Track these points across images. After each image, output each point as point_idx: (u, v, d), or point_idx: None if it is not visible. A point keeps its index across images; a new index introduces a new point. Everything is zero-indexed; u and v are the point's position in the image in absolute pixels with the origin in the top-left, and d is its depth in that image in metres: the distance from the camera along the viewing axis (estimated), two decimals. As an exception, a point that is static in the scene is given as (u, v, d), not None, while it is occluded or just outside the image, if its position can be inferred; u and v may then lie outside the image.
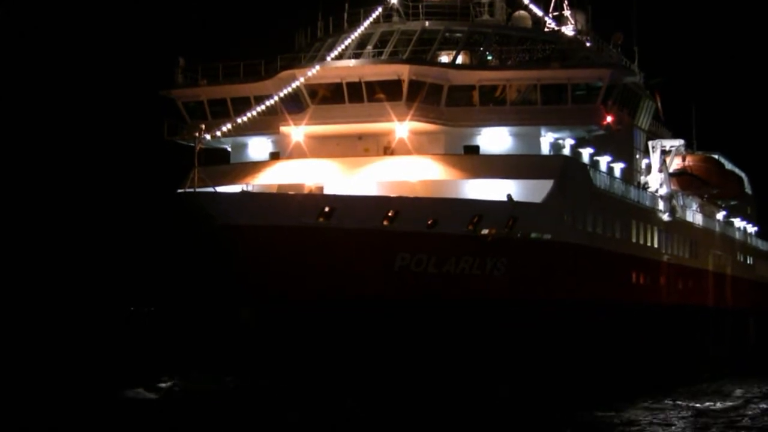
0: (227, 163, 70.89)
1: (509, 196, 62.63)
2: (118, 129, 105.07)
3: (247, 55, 69.01)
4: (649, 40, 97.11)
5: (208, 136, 58.21)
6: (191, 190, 56.03)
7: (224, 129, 60.31)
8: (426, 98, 64.63)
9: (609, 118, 67.22)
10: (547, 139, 67.96)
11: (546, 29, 74.13)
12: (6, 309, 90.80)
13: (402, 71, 63.95)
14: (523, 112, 65.99)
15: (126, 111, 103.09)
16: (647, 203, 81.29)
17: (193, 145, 57.02)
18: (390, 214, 58.24)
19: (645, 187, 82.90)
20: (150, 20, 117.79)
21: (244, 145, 70.54)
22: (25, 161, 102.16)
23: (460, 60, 67.71)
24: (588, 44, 74.95)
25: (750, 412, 60.67)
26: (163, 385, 63.58)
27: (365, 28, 67.46)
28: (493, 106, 66.36)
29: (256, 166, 67.25)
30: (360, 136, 66.03)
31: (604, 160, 75.91)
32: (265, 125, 66.75)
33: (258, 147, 70.12)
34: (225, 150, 72.59)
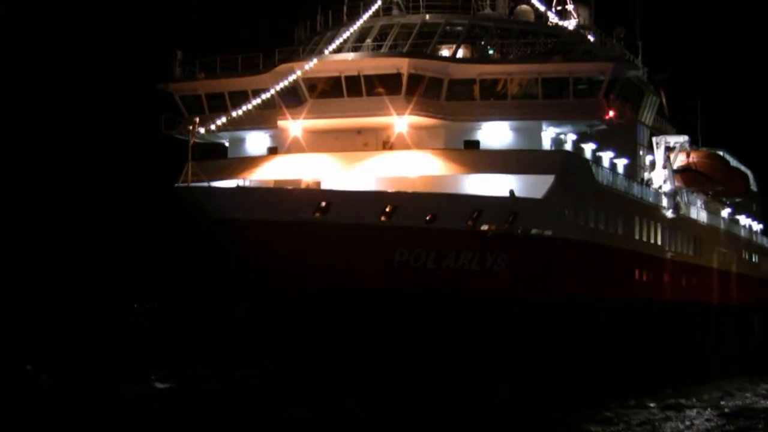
0: (225, 158, 70.24)
1: (512, 192, 62.01)
2: (117, 123, 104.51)
3: (247, 50, 68.39)
4: (653, 36, 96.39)
5: (202, 130, 57.60)
6: (185, 184, 55.38)
7: (218, 122, 59.70)
8: (426, 92, 63.99)
9: (611, 113, 66.45)
10: (548, 134, 67.22)
11: (549, 24, 73.31)
12: (6, 308, 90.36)
13: (401, 65, 63.28)
14: (524, 106, 65.27)
15: (125, 105, 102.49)
16: (651, 200, 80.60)
17: (188, 139, 56.47)
18: (388, 209, 57.58)
19: (648, 183, 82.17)
20: (149, 14, 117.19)
21: (242, 140, 69.90)
22: (24, 156, 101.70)
23: (460, 53, 67.04)
24: (591, 38, 74.18)
25: (752, 412, 59.96)
26: (160, 385, 63.17)
27: (365, 22, 66.83)
28: (494, 100, 65.60)
29: (253, 161, 66.65)
30: (359, 131, 65.37)
31: (606, 156, 75.20)
32: (263, 120, 66.24)
33: (256, 142, 69.45)
34: (223, 145, 71.98)
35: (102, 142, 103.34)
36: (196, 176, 55.51)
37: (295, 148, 65.48)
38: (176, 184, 56.86)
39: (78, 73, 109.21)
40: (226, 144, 71.51)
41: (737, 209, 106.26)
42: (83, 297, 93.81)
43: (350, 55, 64.80)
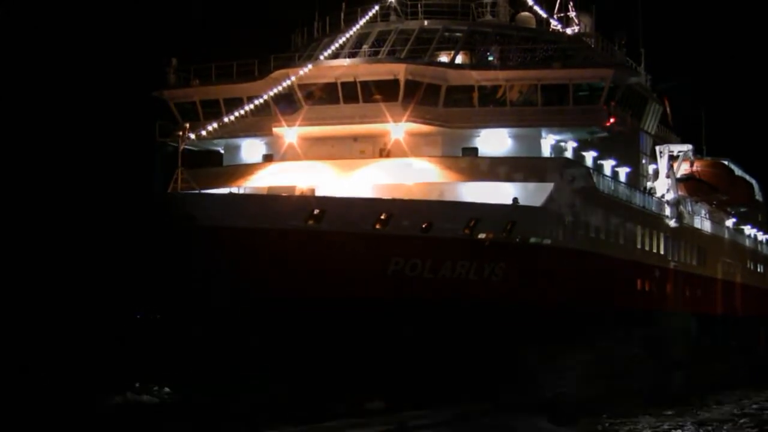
0: (220, 166, 69.43)
1: (515, 200, 61.49)
2: (112, 131, 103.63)
3: (247, 51, 67.80)
4: (657, 44, 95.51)
5: (192, 135, 56.79)
6: (175, 191, 54.55)
7: (209, 128, 58.88)
8: (423, 99, 63.11)
9: (612, 120, 65.53)
10: (548, 141, 66.30)
11: (549, 30, 72.40)
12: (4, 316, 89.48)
13: (398, 70, 62.40)
14: (523, 113, 64.37)
15: (121, 112, 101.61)
16: (653, 209, 79.63)
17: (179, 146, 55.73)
18: (383, 216, 56.55)
19: (651, 192, 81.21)
20: (148, 19, 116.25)
21: (237, 147, 69.07)
22: (17, 161, 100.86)
23: (459, 60, 66.08)
24: (592, 45, 73.30)
25: (755, 423, 59.05)
26: (152, 393, 62.41)
27: (361, 27, 66.05)
28: (493, 107, 64.72)
29: (248, 168, 65.77)
30: (355, 138, 64.42)
31: (608, 164, 74.26)
32: (258, 127, 65.53)
33: (251, 149, 68.58)
34: (218, 152, 71.20)
35: (96, 150, 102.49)
36: (186, 183, 54.65)
37: (291, 155, 64.57)
38: (166, 191, 56.03)
39: (73, 80, 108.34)
40: (222, 151, 70.72)
41: (742, 219, 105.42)
42: (78, 306, 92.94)
43: (346, 61, 63.96)
